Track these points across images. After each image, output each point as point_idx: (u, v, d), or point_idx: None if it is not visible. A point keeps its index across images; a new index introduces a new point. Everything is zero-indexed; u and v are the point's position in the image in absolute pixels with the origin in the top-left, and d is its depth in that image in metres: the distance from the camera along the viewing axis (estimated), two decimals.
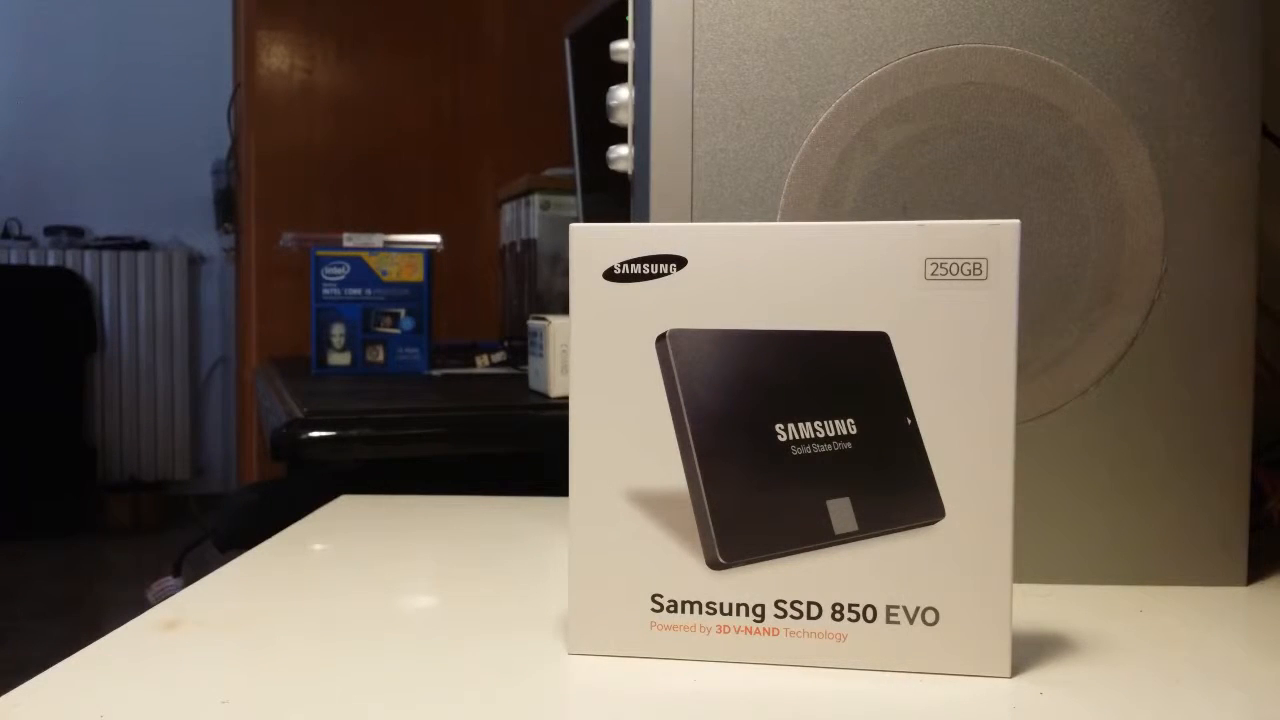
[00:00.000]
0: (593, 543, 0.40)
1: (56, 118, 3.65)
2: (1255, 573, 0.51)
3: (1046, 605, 0.47)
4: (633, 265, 0.39)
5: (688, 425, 0.39)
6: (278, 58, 2.07)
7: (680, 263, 0.39)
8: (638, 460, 0.40)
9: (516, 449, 0.98)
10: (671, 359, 0.39)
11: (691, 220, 0.49)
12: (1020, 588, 0.49)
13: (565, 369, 1.07)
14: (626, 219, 0.53)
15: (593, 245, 0.40)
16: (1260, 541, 0.52)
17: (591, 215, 1.20)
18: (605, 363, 0.40)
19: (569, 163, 1.26)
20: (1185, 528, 0.50)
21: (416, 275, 1.40)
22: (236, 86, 2.55)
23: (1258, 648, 0.43)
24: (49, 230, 3.62)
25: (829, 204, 0.49)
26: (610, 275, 0.40)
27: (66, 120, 3.65)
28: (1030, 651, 0.41)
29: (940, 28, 0.48)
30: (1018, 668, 0.39)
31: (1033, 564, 0.50)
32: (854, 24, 0.49)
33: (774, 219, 0.49)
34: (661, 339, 0.39)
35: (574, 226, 0.40)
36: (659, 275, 0.39)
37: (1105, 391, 0.49)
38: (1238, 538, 0.50)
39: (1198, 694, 0.37)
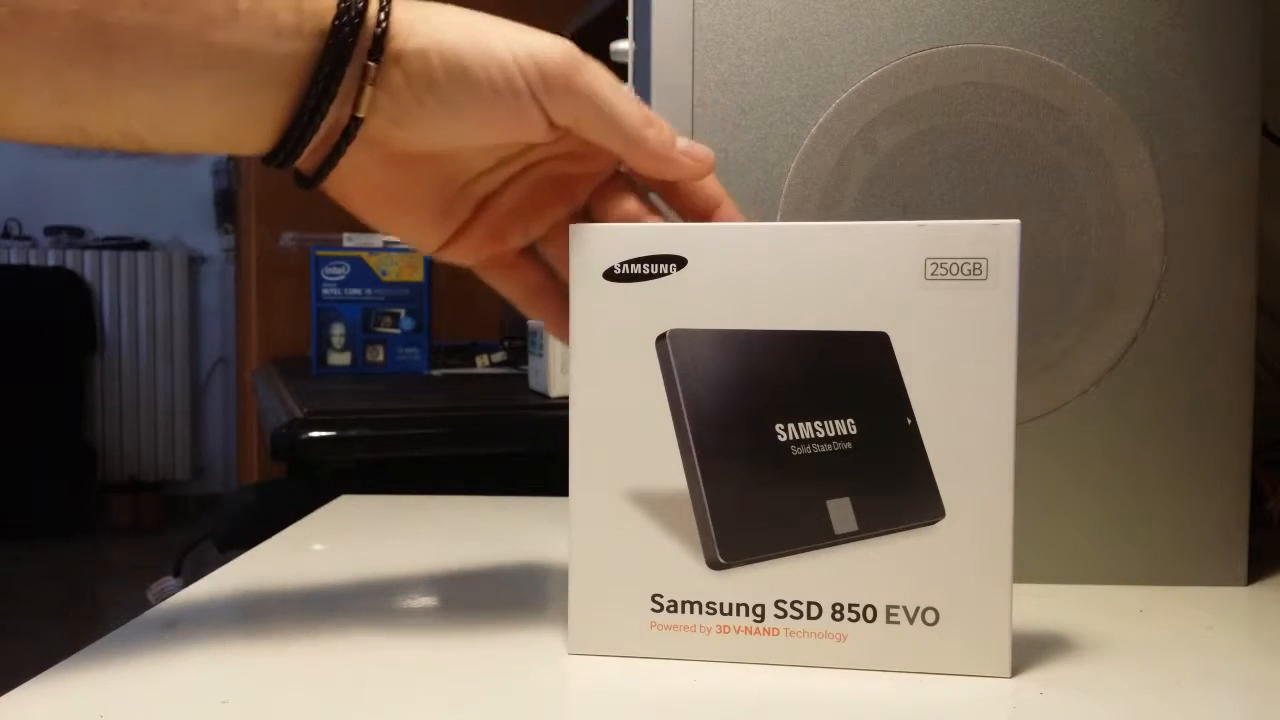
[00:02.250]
0: (593, 543, 0.40)
1: None
2: (1255, 573, 0.51)
3: (1046, 605, 0.47)
4: (633, 265, 0.39)
5: (688, 425, 0.39)
6: None
7: (680, 263, 0.39)
8: (638, 460, 0.40)
9: (516, 449, 0.98)
10: (671, 359, 0.39)
11: None
12: (1020, 588, 0.49)
13: (565, 369, 1.07)
14: None
15: (593, 245, 0.40)
16: (1260, 541, 0.52)
17: None
18: (605, 363, 0.40)
19: None
20: (1185, 528, 0.50)
21: (416, 275, 1.40)
22: None
23: (1258, 648, 0.43)
24: (49, 230, 3.62)
25: (829, 204, 0.49)
26: (610, 275, 0.40)
27: None
28: (1030, 651, 0.41)
29: (940, 28, 0.48)
30: (1018, 668, 0.39)
31: (1033, 564, 0.50)
32: (854, 24, 0.49)
33: (774, 219, 0.49)
34: (661, 339, 0.39)
35: (574, 226, 0.40)
36: (659, 275, 0.39)
37: (1105, 391, 0.49)
38: (1238, 538, 0.50)
39: (1198, 694, 0.37)
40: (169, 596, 0.48)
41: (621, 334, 0.40)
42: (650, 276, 0.39)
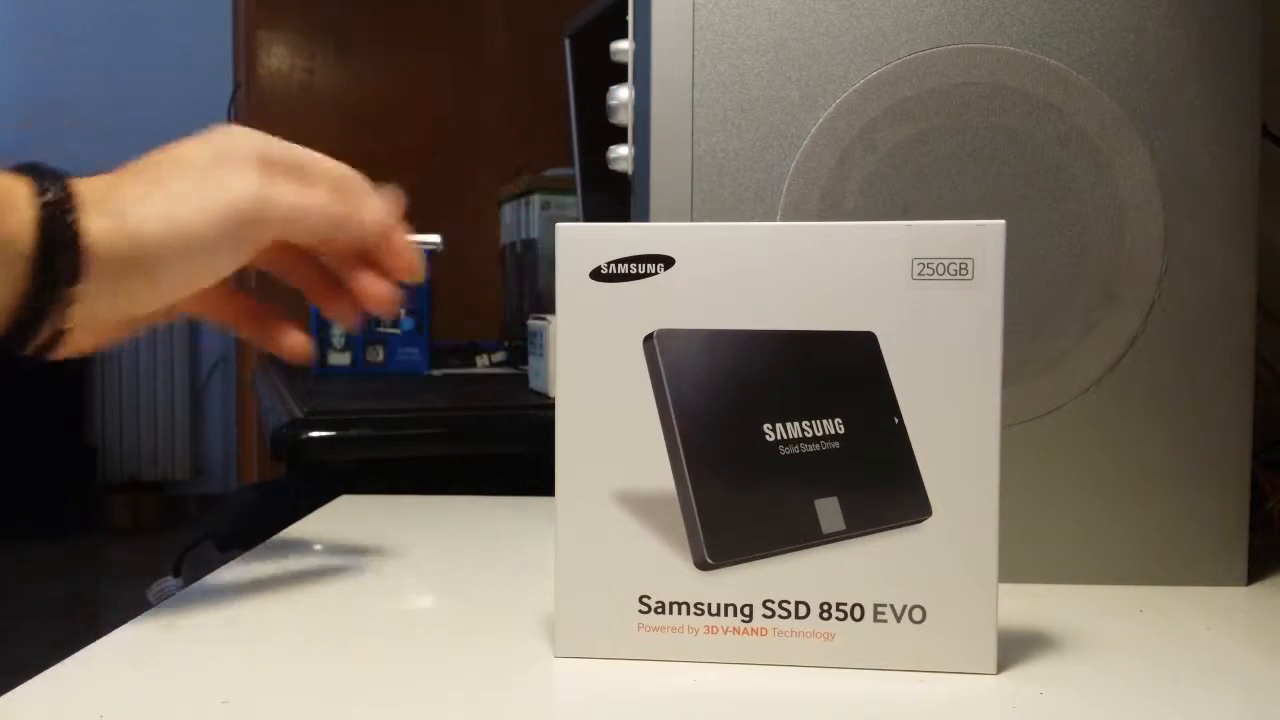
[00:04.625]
0: (579, 544, 0.40)
1: (56, 117, 3.64)
2: (1255, 573, 0.51)
3: (1046, 605, 0.47)
4: (620, 265, 0.39)
5: (675, 425, 0.39)
6: (278, 58, 2.07)
7: (668, 262, 0.39)
8: (625, 461, 0.39)
9: (516, 449, 0.97)
10: (659, 359, 0.39)
11: (692, 220, 0.49)
12: (1020, 588, 0.49)
13: None
14: (627, 219, 0.53)
15: (579, 245, 0.40)
16: (1260, 541, 0.52)
17: (592, 215, 1.20)
18: (592, 363, 0.40)
19: (569, 163, 1.26)
20: (1185, 528, 0.50)
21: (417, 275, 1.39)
22: (236, 86, 2.55)
23: (1258, 648, 0.43)
24: None
25: (829, 204, 0.49)
26: (597, 275, 0.39)
27: (66, 120, 3.65)
28: (1030, 651, 0.41)
29: (940, 28, 0.48)
30: (1019, 667, 0.39)
31: (1033, 564, 0.50)
32: (854, 24, 0.49)
33: (774, 219, 0.49)
34: (649, 339, 0.39)
35: (560, 225, 0.40)
36: (646, 275, 0.39)
37: (1105, 391, 0.49)
38: (1238, 538, 0.50)
39: (1198, 694, 0.37)
40: (169, 596, 0.48)
41: (608, 334, 0.39)
42: (637, 276, 0.39)
